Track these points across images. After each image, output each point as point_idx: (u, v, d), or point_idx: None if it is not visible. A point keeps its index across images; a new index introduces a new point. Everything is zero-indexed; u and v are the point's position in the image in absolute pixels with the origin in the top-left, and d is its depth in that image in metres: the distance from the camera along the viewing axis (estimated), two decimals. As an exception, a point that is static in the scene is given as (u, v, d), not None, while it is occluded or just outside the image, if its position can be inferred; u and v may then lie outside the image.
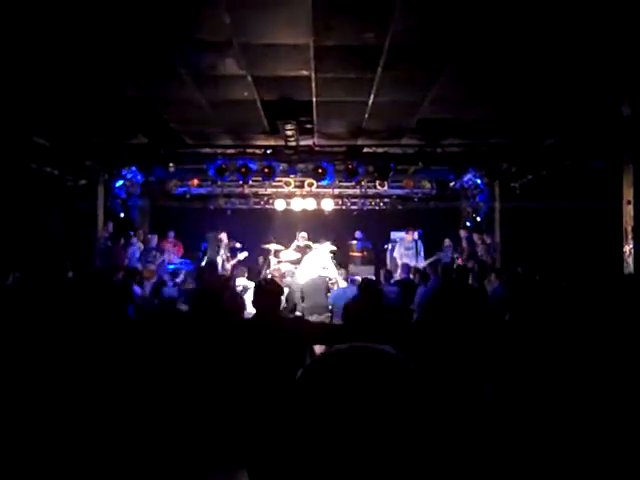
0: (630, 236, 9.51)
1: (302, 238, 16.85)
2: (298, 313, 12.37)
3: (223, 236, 16.81)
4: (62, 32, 7.43)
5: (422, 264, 16.13)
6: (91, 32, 7.44)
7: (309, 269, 14.49)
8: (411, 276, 13.54)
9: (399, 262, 16.43)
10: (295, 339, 5.26)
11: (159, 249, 16.43)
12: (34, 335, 6.96)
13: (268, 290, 5.51)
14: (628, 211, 9.51)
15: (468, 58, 8.33)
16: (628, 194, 9.51)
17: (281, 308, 10.07)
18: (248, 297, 13.19)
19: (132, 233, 15.94)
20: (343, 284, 13.87)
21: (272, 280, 7.09)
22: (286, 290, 12.88)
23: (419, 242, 17.00)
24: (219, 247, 16.72)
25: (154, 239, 16.58)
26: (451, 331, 8.24)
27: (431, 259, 16.25)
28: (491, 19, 7.05)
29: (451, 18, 7.06)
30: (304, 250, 16.59)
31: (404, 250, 16.94)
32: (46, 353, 6.28)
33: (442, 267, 12.93)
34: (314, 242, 16.91)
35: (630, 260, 9.52)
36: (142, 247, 16.13)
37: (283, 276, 14.91)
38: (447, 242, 16.94)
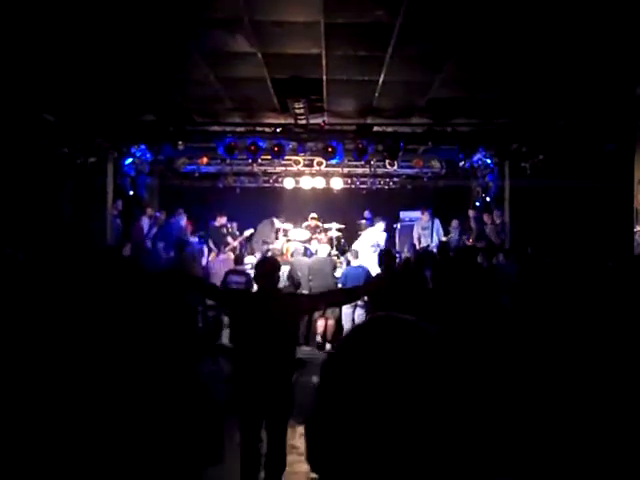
0: (641, 217, 9.47)
1: (312, 218, 16.90)
2: (305, 291, 12.41)
3: (223, 220, 16.78)
4: (73, 9, 7.41)
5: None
6: (101, 9, 7.42)
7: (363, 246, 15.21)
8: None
9: (417, 243, 16.56)
10: (288, 309, 5.98)
11: (169, 224, 16.41)
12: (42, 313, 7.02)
13: (263, 268, 6.22)
14: (639, 190, 9.46)
15: (480, 39, 8.29)
16: (639, 174, 9.46)
17: (282, 285, 10.50)
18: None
19: (137, 211, 15.92)
20: (354, 262, 13.87)
21: (269, 259, 7.82)
22: (287, 268, 12.99)
23: (436, 221, 17.01)
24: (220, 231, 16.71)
25: (182, 218, 16.51)
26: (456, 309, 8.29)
27: (447, 238, 16.33)
28: (503, 2, 7.01)
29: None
30: (314, 229, 16.64)
31: (421, 230, 17.00)
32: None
33: (444, 249, 12.96)
34: (324, 222, 16.99)
35: (640, 240, 9.49)
36: (150, 224, 16.14)
37: (284, 254, 15.03)
38: (454, 223, 16.95)
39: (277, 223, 17.21)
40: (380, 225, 16.47)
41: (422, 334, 1.17)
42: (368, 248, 15.43)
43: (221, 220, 16.72)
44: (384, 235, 16.40)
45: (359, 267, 13.18)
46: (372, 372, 1.10)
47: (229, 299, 6.44)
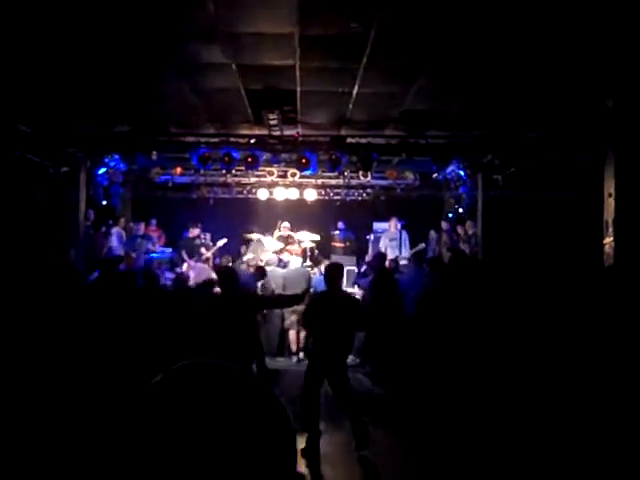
0: (611, 229, 9.55)
1: (284, 228, 16.87)
2: None
3: (196, 231, 16.76)
4: (48, 21, 7.39)
5: (406, 255, 16.24)
6: (77, 21, 7.40)
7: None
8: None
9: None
10: (245, 306, 8.37)
11: (145, 236, 16.35)
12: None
13: (223, 275, 9.07)
14: (609, 204, 9.54)
15: (453, 52, 8.36)
16: (609, 187, 9.54)
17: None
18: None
19: (110, 222, 15.82)
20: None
21: (226, 268, 10.99)
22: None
23: (403, 232, 17.03)
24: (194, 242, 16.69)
25: (140, 226, 16.48)
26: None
27: (414, 249, 16.34)
28: (475, 14, 7.09)
29: (435, 12, 7.09)
30: (286, 240, 16.63)
31: (388, 241, 16.99)
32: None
33: (430, 260, 13.00)
34: (296, 232, 16.98)
35: (610, 252, 9.57)
36: (124, 235, 16.04)
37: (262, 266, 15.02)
38: (432, 234, 16.99)
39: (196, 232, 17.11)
40: (393, 222, 17.04)
41: (227, 376, 1.20)
42: (387, 242, 16.38)
43: (194, 231, 16.69)
44: (402, 233, 16.83)
45: None
46: (179, 413, 1.13)
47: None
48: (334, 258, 16.93)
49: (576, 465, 5.47)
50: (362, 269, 14.33)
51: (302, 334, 13.34)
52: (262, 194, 17.32)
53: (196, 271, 14.42)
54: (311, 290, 13.23)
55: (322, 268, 15.31)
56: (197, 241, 16.58)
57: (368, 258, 15.93)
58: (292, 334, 13.53)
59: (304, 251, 16.56)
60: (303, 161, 14.10)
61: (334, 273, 8.35)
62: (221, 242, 16.53)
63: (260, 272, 12.83)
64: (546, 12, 6.99)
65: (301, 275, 13.76)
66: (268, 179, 16.38)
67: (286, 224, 17.00)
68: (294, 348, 13.50)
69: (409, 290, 11.27)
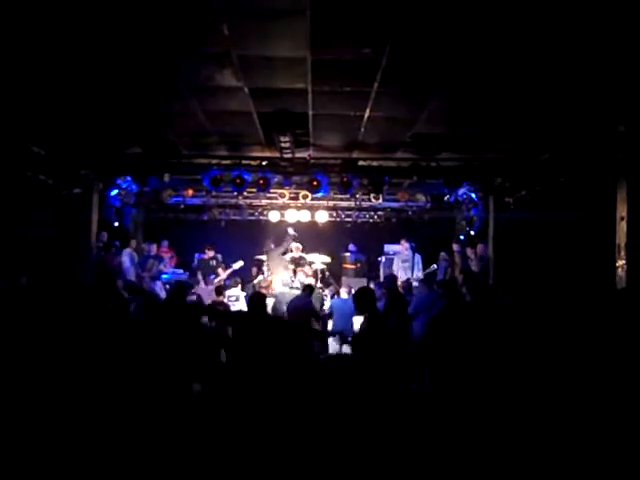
0: (623, 252, 9.55)
1: (296, 249, 16.88)
2: None
3: (211, 252, 16.86)
4: (61, 42, 7.46)
5: (419, 276, 16.24)
6: (89, 42, 7.48)
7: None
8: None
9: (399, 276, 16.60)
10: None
11: (157, 257, 16.41)
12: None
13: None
14: (622, 227, 9.55)
15: (464, 76, 8.40)
16: (622, 210, 9.56)
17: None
18: (240, 305, 13.53)
19: (117, 243, 15.84)
20: (344, 295, 14.05)
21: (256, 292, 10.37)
22: (272, 300, 13.21)
23: (416, 255, 17.06)
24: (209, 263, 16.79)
25: (153, 247, 16.55)
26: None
27: (427, 271, 16.34)
28: (487, 39, 7.12)
29: (447, 37, 7.13)
30: (297, 261, 16.64)
31: (401, 263, 17.02)
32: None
33: (442, 282, 13.00)
34: (307, 253, 17.00)
35: (623, 275, 9.56)
36: (135, 256, 16.09)
37: (269, 287, 15.05)
38: (442, 255, 16.96)
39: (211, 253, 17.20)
40: (404, 245, 17.34)
41: None
42: (400, 264, 16.66)
43: (210, 253, 16.76)
44: (415, 255, 17.09)
45: (347, 300, 13.26)
46: None
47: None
48: (345, 280, 16.94)
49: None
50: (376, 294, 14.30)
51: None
52: (274, 216, 17.36)
53: (206, 293, 14.45)
54: (325, 311, 13.29)
55: (333, 289, 15.38)
56: (212, 262, 16.63)
57: (381, 280, 15.97)
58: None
59: (315, 272, 16.57)
60: (314, 183, 14.14)
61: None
62: (237, 265, 16.53)
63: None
64: (559, 37, 7.02)
65: (313, 297, 13.76)
66: (280, 201, 16.43)
67: (298, 245, 17.01)
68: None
69: (420, 312, 11.23)
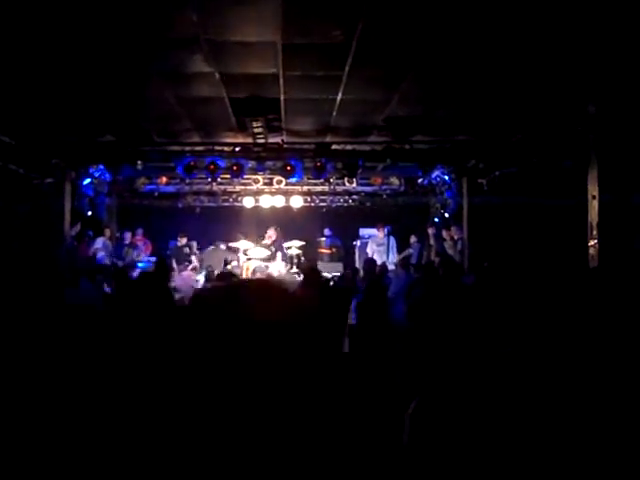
0: (595, 231, 9.63)
1: (275, 232, 16.91)
2: None
3: (184, 239, 16.92)
4: (30, 29, 7.37)
5: (394, 260, 16.30)
6: (58, 28, 7.38)
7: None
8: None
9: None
10: None
11: (131, 245, 16.35)
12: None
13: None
14: (593, 206, 9.62)
15: (435, 59, 8.39)
16: (593, 189, 9.62)
17: None
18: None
19: (90, 233, 15.74)
20: None
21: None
22: None
23: (391, 238, 17.12)
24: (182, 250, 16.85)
25: (127, 235, 16.50)
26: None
27: (402, 255, 16.40)
28: (458, 21, 7.11)
29: (418, 19, 7.12)
30: (275, 243, 16.68)
31: (376, 247, 17.08)
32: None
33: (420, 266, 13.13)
34: (284, 239, 17.00)
35: (595, 254, 9.64)
36: (109, 245, 16.00)
37: (253, 273, 15.01)
38: (413, 239, 17.05)
39: (222, 246, 17.18)
40: (381, 229, 17.54)
41: None
42: (375, 248, 16.81)
43: (182, 240, 16.75)
44: (390, 239, 17.14)
45: None
46: None
47: None
48: (320, 265, 16.95)
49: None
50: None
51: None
52: (248, 202, 17.34)
53: (181, 279, 14.41)
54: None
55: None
56: (186, 249, 16.62)
57: (358, 264, 16.03)
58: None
59: (291, 258, 16.58)
60: (288, 168, 14.12)
61: None
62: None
63: None
64: (530, 18, 7.03)
65: (288, 282, 13.76)
66: (254, 187, 16.40)
67: (273, 230, 17.05)
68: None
69: (399, 296, 11.25)
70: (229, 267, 15.43)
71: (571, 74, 8.86)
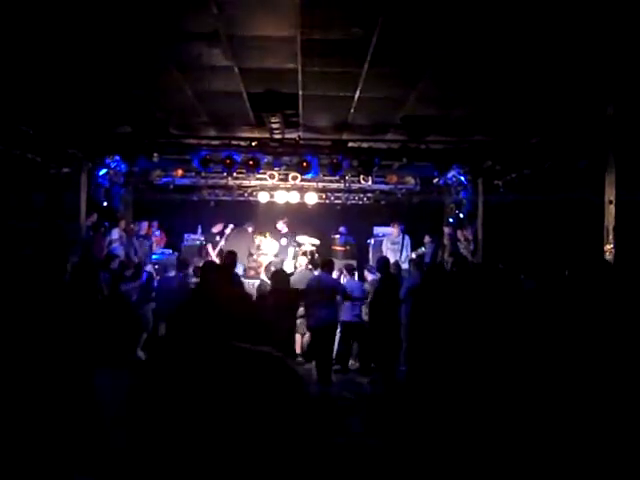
0: (611, 235, 9.57)
1: (284, 224, 16.98)
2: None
3: (220, 227, 17.13)
4: (50, 21, 7.39)
5: (408, 258, 16.32)
6: (77, 22, 7.41)
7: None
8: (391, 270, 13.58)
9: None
10: None
11: (145, 237, 16.41)
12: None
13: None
14: (610, 211, 9.56)
15: (454, 57, 8.37)
16: (610, 194, 9.56)
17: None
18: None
19: (107, 224, 15.82)
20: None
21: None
22: (257, 282, 13.44)
23: (406, 237, 17.09)
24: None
25: (143, 226, 16.57)
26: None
27: (415, 253, 16.40)
28: (478, 19, 7.09)
29: (438, 17, 7.10)
30: (285, 235, 16.80)
31: (390, 245, 17.06)
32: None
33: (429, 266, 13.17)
34: (296, 234, 17.08)
35: (611, 259, 9.58)
36: (124, 236, 16.05)
37: (267, 268, 15.02)
38: (427, 238, 17.01)
39: (249, 229, 17.33)
40: (396, 227, 17.33)
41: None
42: (389, 246, 16.80)
43: (218, 227, 17.05)
44: (405, 238, 17.12)
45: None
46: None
47: None
48: (335, 262, 16.95)
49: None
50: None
51: (305, 338, 13.44)
52: (263, 197, 17.34)
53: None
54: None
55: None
56: (217, 238, 16.88)
57: (371, 262, 16.05)
58: (297, 337, 13.55)
59: (304, 254, 16.60)
60: (304, 164, 14.13)
61: None
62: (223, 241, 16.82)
63: None
64: (549, 19, 7.01)
65: (305, 278, 13.76)
66: (269, 182, 16.39)
67: (283, 222, 17.18)
68: (298, 351, 13.55)
69: (412, 295, 11.29)
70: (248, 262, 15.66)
71: (590, 74, 8.82)
